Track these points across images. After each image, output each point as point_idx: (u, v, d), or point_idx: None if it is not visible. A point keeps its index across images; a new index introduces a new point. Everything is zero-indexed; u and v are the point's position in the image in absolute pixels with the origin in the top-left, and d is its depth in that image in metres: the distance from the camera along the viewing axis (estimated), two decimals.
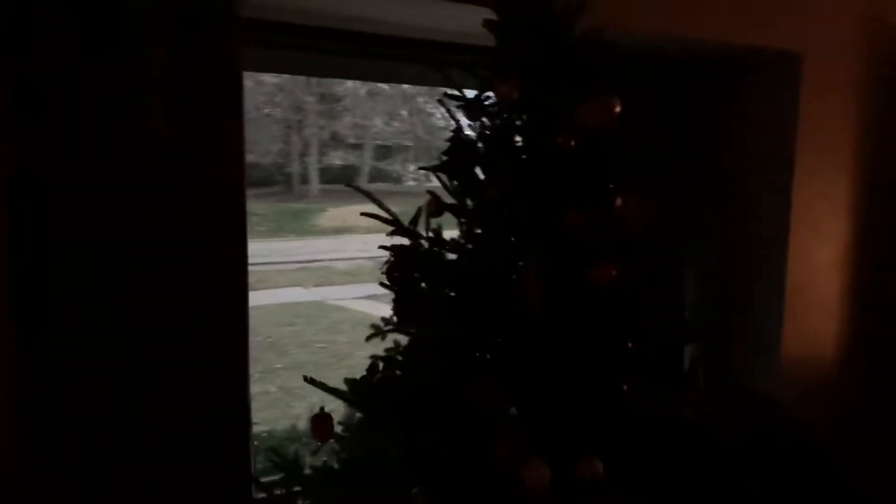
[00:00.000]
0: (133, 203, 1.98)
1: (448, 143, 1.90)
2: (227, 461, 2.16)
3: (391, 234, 1.94)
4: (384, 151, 16.91)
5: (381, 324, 1.97)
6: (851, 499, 2.93)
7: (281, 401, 5.76)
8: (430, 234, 1.93)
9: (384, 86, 13.69)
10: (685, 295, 3.39)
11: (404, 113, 15.21)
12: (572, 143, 1.75)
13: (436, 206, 1.90)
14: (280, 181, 15.82)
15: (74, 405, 1.97)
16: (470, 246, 1.90)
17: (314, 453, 2.11)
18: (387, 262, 1.90)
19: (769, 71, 3.11)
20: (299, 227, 14.32)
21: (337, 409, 1.98)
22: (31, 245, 1.90)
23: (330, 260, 11.75)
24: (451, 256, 1.93)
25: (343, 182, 16.67)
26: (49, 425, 1.97)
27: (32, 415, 1.93)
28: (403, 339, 1.97)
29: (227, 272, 2.10)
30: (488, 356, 1.82)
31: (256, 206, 9.71)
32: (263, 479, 2.25)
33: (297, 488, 1.99)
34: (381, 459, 1.89)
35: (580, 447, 1.67)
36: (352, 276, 10.71)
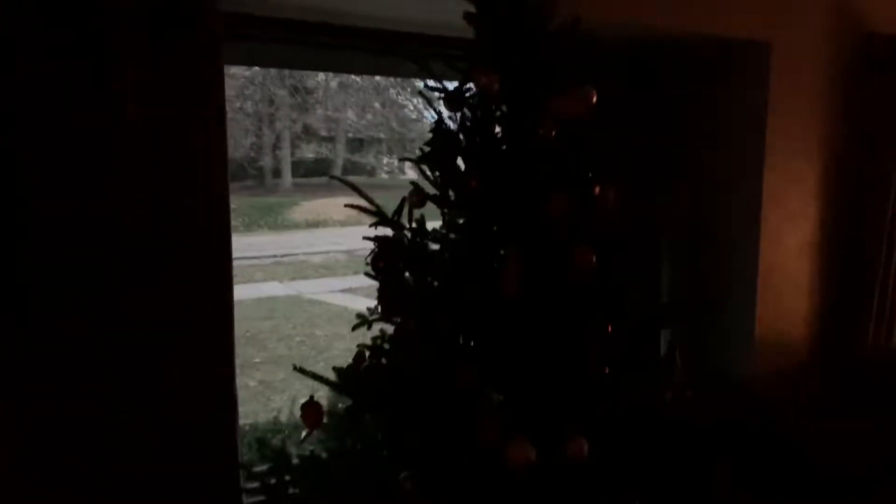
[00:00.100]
0: (115, 199, 1.99)
1: (429, 135, 1.93)
2: (215, 453, 2.17)
3: (374, 224, 1.97)
4: (357, 144, 16.87)
5: (367, 313, 2.00)
6: (820, 478, 3.02)
7: (261, 394, 5.77)
8: (414, 225, 1.96)
9: (356, 78, 13.64)
10: (661, 279, 3.46)
11: (377, 105, 15.17)
12: (552, 133, 1.79)
13: (418, 197, 1.93)
14: (252, 175, 15.72)
15: (63, 404, 1.98)
16: (452, 235, 1.93)
17: (300, 443, 2.14)
18: (372, 253, 1.92)
19: (740, 60, 3.18)
20: (272, 221, 14.24)
21: (318, 400, 2.00)
22: (13, 247, 1.90)
23: (305, 254, 11.71)
24: (434, 246, 1.96)
25: (315, 175, 16.59)
26: (38, 425, 1.98)
27: (23, 414, 1.94)
28: (388, 329, 2.00)
29: (211, 266, 2.11)
30: (472, 342, 1.86)
31: None
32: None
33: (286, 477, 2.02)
34: (367, 446, 1.93)
35: (563, 428, 1.71)
36: (327, 270, 10.70)
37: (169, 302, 2.05)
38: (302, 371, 1.87)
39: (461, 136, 1.90)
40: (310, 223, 14.31)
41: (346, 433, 1.98)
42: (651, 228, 3.40)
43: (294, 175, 16.45)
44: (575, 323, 1.83)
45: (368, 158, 16.93)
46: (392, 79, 12.65)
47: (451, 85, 1.94)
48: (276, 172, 16.41)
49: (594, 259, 1.79)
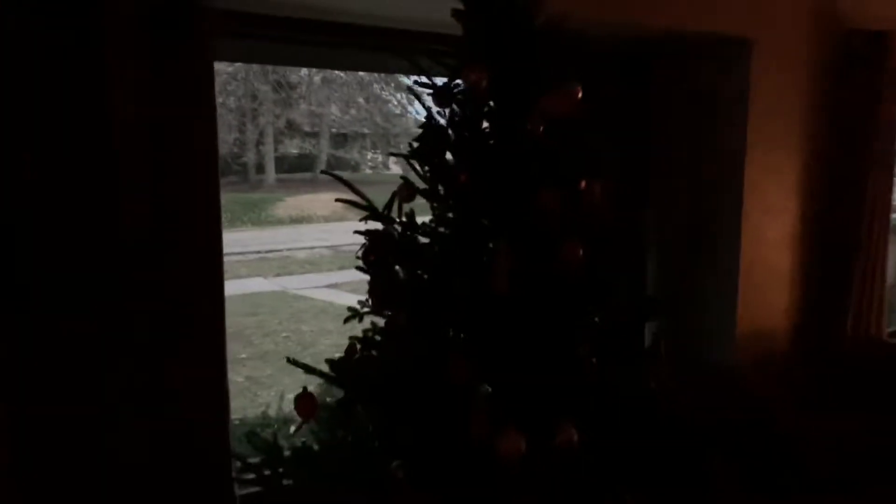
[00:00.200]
0: (111, 198, 2.00)
1: (416, 130, 1.96)
2: (208, 447, 2.19)
3: (365, 219, 1.99)
4: (341, 139, 16.83)
5: (358, 306, 2.02)
6: (803, 465, 3.08)
7: (248, 390, 5.77)
8: (404, 219, 1.98)
9: (340, 73, 13.60)
10: (646, 273, 3.50)
11: (361, 100, 15.14)
12: (540, 129, 1.82)
13: (408, 192, 1.96)
14: (235, 171, 15.63)
15: (63, 404, 1.99)
16: (442, 229, 1.96)
17: (292, 434, 2.17)
18: (362, 247, 1.95)
19: (721, 56, 3.23)
20: (256, 217, 14.18)
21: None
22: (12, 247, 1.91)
23: (289, 249, 11.69)
24: (424, 240, 1.99)
25: (299, 171, 16.54)
26: (35, 428, 1.99)
27: (19, 416, 1.95)
28: (380, 321, 2.02)
29: (205, 264, 2.13)
30: (462, 335, 1.89)
31: None
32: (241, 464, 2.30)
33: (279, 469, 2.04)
34: (359, 437, 1.95)
35: (552, 419, 1.75)
36: (312, 266, 10.69)
37: (167, 300, 2.07)
38: (295, 363, 1.89)
39: (450, 132, 1.93)
40: (294, 219, 14.28)
41: (337, 425, 2.01)
42: (636, 223, 3.44)
43: (277, 171, 16.39)
44: (563, 316, 1.87)
45: (352, 154, 16.90)
46: (376, 74, 12.63)
47: (440, 81, 1.97)
48: (260, 168, 16.34)
49: (581, 253, 1.83)
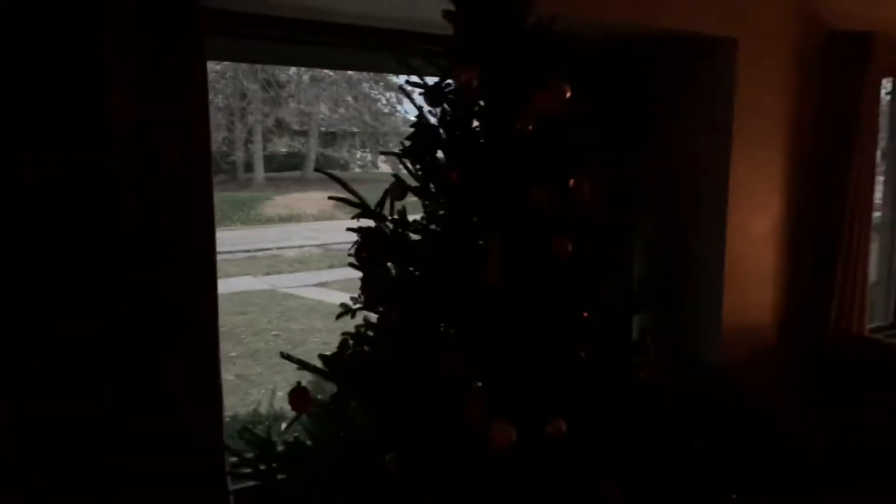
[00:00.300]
0: (105, 196, 2.01)
1: (406, 129, 1.99)
2: (202, 442, 2.22)
3: (357, 217, 2.02)
4: (330, 138, 16.81)
5: (350, 303, 2.05)
6: (788, 455, 3.13)
7: (239, 388, 5.78)
8: (395, 217, 2.01)
9: (329, 72, 13.60)
10: (633, 268, 3.55)
11: (350, 99, 15.14)
12: (530, 127, 1.86)
13: (400, 190, 1.99)
14: (224, 170, 15.59)
15: (63, 403, 2.01)
16: (434, 227, 1.99)
17: (285, 430, 2.20)
18: (355, 244, 1.98)
19: (707, 55, 3.27)
20: (245, 216, 14.15)
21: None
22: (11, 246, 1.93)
23: (278, 248, 11.68)
24: (416, 237, 2.02)
25: (288, 169, 16.52)
26: (31, 422, 2.01)
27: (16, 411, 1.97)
28: (372, 317, 2.05)
29: (200, 263, 2.15)
30: (454, 329, 1.93)
31: None
32: (235, 460, 2.32)
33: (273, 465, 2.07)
34: (352, 431, 1.99)
35: (543, 409, 1.79)
36: (301, 264, 10.69)
37: (166, 299, 2.09)
38: (289, 358, 1.92)
39: (442, 131, 1.97)
40: (283, 218, 14.25)
41: (330, 420, 2.04)
42: (624, 220, 3.49)
43: (266, 169, 16.35)
44: (552, 310, 1.91)
45: (342, 152, 16.89)
46: (365, 73, 12.64)
47: (431, 81, 2.00)
48: (249, 167, 16.30)
49: (570, 248, 1.87)
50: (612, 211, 2.10)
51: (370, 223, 2.02)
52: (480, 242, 1.91)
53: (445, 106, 1.95)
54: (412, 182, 2.00)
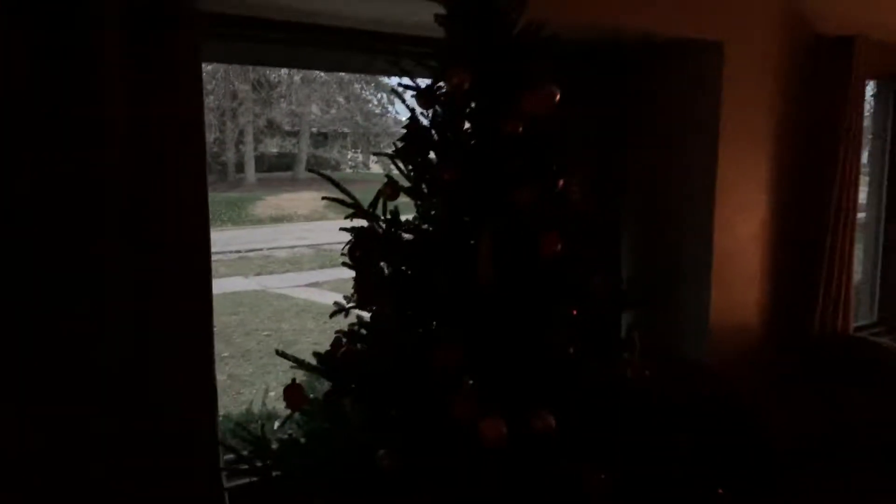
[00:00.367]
0: (96, 197, 2.03)
1: (397, 130, 2.02)
2: (198, 440, 2.24)
3: (351, 216, 2.05)
4: (321, 139, 16.83)
5: (343, 302, 2.08)
6: (771, 452, 3.18)
7: (231, 388, 5.79)
8: (388, 217, 2.05)
9: (320, 73, 13.64)
10: (622, 266, 3.59)
11: (341, 100, 15.17)
12: (519, 128, 1.90)
13: (392, 190, 2.03)
14: (215, 170, 15.60)
15: (63, 404, 2.03)
16: (426, 226, 2.03)
17: (279, 427, 2.22)
18: (348, 243, 2.01)
19: (694, 58, 3.32)
20: (236, 216, 14.16)
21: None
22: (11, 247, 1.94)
23: (269, 249, 11.70)
24: (408, 236, 2.06)
25: (279, 170, 16.52)
26: (31, 422, 2.02)
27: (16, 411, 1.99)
28: (365, 316, 2.09)
29: (195, 263, 2.17)
30: (446, 326, 1.96)
31: None
32: (229, 458, 2.35)
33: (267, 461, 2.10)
34: (346, 428, 2.02)
35: (533, 404, 1.82)
36: (292, 265, 10.70)
37: (166, 299, 2.11)
38: (283, 355, 1.95)
39: (433, 132, 2.00)
40: (273, 218, 14.26)
41: (324, 417, 2.07)
42: (613, 219, 3.53)
43: (257, 170, 16.36)
44: (542, 307, 1.95)
45: (333, 153, 16.91)
46: (355, 74, 12.68)
47: (423, 83, 2.04)
48: (240, 167, 16.30)
49: (560, 245, 1.91)
50: (600, 210, 2.15)
51: (363, 223, 2.05)
52: (472, 242, 1.95)
53: (437, 108, 1.99)
54: (405, 182, 2.04)
